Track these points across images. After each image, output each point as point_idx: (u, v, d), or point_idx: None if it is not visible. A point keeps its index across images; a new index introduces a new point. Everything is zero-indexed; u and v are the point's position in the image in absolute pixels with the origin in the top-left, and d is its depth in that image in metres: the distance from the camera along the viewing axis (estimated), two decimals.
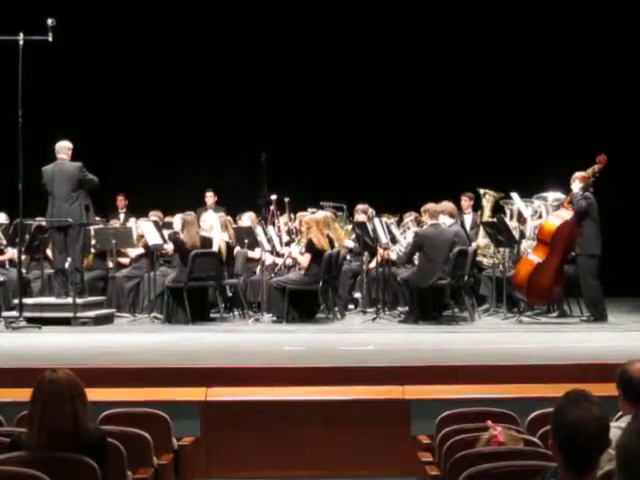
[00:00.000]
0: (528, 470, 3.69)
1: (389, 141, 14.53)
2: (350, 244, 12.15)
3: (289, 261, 11.46)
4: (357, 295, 11.91)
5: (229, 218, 11.77)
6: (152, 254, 11.27)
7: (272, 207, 12.45)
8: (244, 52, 14.59)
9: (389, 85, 14.57)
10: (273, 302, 10.67)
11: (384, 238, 10.66)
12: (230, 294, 11.50)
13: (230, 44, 14.66)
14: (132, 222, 12.30)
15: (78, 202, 10.21)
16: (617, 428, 3.34)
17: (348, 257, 11.99)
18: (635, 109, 13.61)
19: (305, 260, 10.48)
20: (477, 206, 12.48)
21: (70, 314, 9.99)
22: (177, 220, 11.07)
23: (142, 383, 6.55)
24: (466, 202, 12.37)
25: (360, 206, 12.06)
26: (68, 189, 10.19)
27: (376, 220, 10.85)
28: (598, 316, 10.12)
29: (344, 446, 6.36)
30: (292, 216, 12.36)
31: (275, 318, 10.63)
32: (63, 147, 10.41)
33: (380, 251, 10.94)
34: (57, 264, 10.51)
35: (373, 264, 11.56)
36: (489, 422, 4.32)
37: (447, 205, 10.93)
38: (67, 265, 10.28)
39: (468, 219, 12.30)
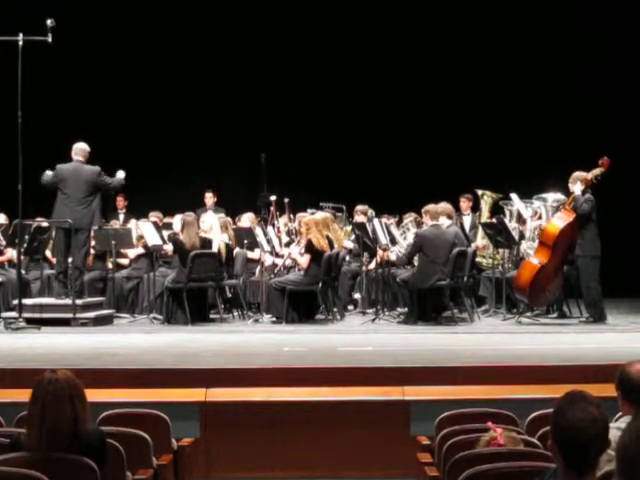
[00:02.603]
0: (527, 471, 3.69)
1: (389, 142, 14.53)
2: (350, 245, 12.15)
3: (289, 262, 11.47)
4: (356, 296, 11.91)
5: (229, 219, 11.77)
6: (151, 255, 11.27)
7: (271, 208, 12.46)
8: (244, 53, 14.60)
9: (389, 86, 14.57)
10: (272, 303, 10.67)
11: (383, 239, 10.67)
12: (230, 295, 11.50)
13: (230, 45, 14.66)
14: (132, 223, 12.28)
15: (91, 206, 10.23)
16: (616, 429, 3.34)
17: (347, 258, 11.98)
18: (635, 109, 13.62)
19: (304, 261, 10.48)
20: (476, 207, 12.49)
21: (69, 315, 9.98)
22: (177, 221, 11.07)
23: (141, 384, 6.55)
24: (465, 203, 12.38)
25: (360, 207, 12.06)
26: (84, 193, 10.20)
27: (375, 221, 10.86)
28: (597, 317, 10.12)
29: (343, 447, 6.36)
30: (292, 217, 12.37)
31: (274, 319, 10.63)
32: (82, 149, 10.39)
33: (379, 252, 10.95)
34: (58, 267, 10.46)
35: (372, 265, 11.56)
36: (490, 423, 4.32)
37: (445, 206, 10.93)
38: (69, 262, 10.30)
39: (467, 220, 12.30)
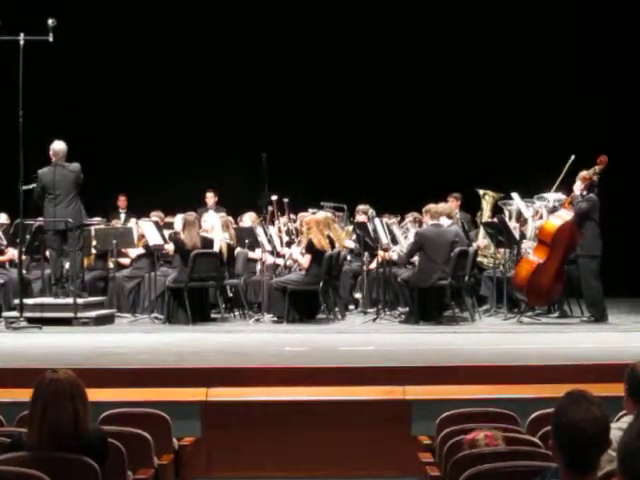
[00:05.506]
0: (528, 470, 3.69)
1: (389, 141, 14.53)
2: (351, 244, 12.15)
3: (290, 262, 11.46)
4: (358, 295, 11.90)
5: (230, 218, 11.77)
6: (153, 254, 11.27)
7: (272, 207, 12.46)
8: (244, 52, 14.60)
9: (389, 86, 14.57)
10: (274, 302, 10.67)
11: (384, 239, 10.67)
12: (231, 294, 11.50)
13: (230, 44, 14.66)
14: (133, 222, 12.29)
15: (78, 204, 10.20)
16: (618, 429, 3.34)
17: (349, 257, 11.99)
18: (635, 108, 13.61)
19: (306, 260, 10.48)
20: (474, 206, 12.47)
21: (71, 314, 9.98)
22: (178, 220, 11.07)
23: (142, 383, 6.55)
24: (453, 203, 12.34)
25: (361, 206, 12.05)
26: (71, 192, 10.18)
27: (376, 220, 10.86)
28: (598, 316, 10.12)
29: (344, 446, 6.36)
30: (292, 216, 12.36)
31: (276, 318, 10.63)
32: (63, 150, 10.30)
33: (380, 252, 10.94)
34: (54, 272, 10.39)
35: (374, 264, 11.56)
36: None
37: (445, 206, 10.94)
38: (67, 266, 10.27)
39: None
